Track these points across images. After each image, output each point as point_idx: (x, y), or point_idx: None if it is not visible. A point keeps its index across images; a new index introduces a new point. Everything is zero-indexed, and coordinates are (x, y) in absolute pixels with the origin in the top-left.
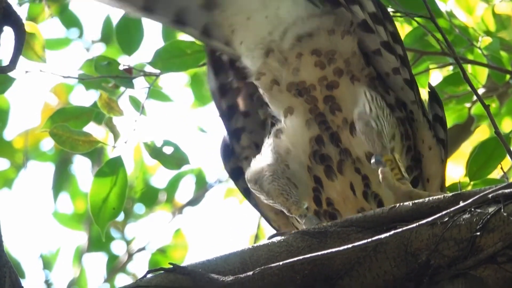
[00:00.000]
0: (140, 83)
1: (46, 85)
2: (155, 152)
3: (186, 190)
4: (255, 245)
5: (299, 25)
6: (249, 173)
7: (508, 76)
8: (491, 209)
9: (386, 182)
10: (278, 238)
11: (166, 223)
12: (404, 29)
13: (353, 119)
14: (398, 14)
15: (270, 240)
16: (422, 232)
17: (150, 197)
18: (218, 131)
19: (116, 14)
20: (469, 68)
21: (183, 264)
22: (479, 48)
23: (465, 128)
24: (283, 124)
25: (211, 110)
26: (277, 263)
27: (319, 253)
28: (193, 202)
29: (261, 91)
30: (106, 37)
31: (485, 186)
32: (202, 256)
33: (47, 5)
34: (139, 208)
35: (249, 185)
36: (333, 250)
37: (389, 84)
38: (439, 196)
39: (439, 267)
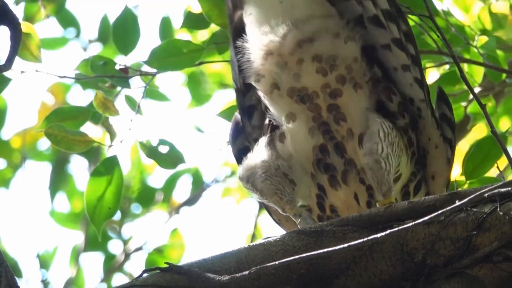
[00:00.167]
0: (136, 82)
1: (43, 85)
2: (150, 151)
3: (183, 189)
4: (251, 244)
5: (301, 27)
6: (241, 170)
7: (504, 75)
8: (487, 208)
9: None
10: (274, 237)
11: (163, 223)
12: None
13: (359, 131)
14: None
15: (266, 240)
16: (418, 231)
17: (147, 196)
18: (215, 131)
19: (113, 13)
20: (465, 67)
21: (179, 264)
22: (476, 47)
23: (461, 127)
24: (285, 129)
25: (208, 110)
26: (273, 263)
27: (315, 252)
28: (190, 201)
29: (261, 94)
30: (103, 37)
31: (481, 185)
32: (199, 256)
33: (42, 6)
34: (136, 207)
35: (241, 183)
36: (329, 249)
37: (395, 80)
38: (435, 195)
39: (435, 266)
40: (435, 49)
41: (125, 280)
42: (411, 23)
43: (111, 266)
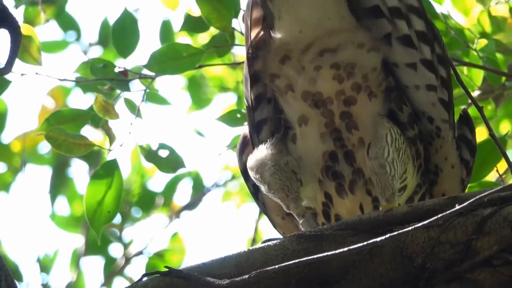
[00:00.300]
0: (136, 86)
1: (43, 88)
2: (150, 155)
3: (183, 194)
4: (251, 248)
5: (327, 39)
6: (251, 160)
7: (503, 78)
8: (487, 212)
9: None
10: (274, 241)
11: (163, 227)
12: None
13: (369, 141)
14: None
15: (266, 244)
16: (418, 235)
17: (147, 201)
18: (215, 135)
19: (114, 16)
20: (465, 70)
21: (179, 268)
22: (475, 50)
23: None
24: (297, 132)
25: (208, 114)
26: (273, 267)
27: (315, 256)
28: (190, 206)
29: (275, 94)
30: (103, 40)
31: (481, 189)
32: (199, 260)
33: (42, 10)
34: (136, 211)
35: (249, 172)
36: (329, 253)
37: (412, 97)
38: (435, 199)
39: (435, 270)
40: None
41: (125, 284)
42: None
43: (112, 270)
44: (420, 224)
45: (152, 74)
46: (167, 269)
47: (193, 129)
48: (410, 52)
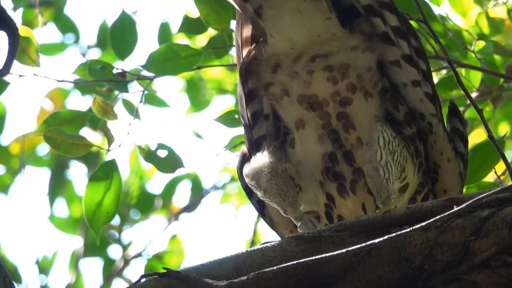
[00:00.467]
0: (135, 87)
1: (42, 91)
2: (149, 155)
3: (182, 195)
4: (249, 249)
5: (319, 46)
6: (247, 168)
7: (502, 80)
8: (485, 214)
9: None
10: (272, 243)
11: (162, 229)
12: None
13: (367, 140)
14: None
15: (264, 245)
16: (416, 236)
17: (146, 202)
18: (214, 137)
19: (112, 18)
20: (463, 72)
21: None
22: (473, 51)
23: None
24: (295, 136)
25: (207, 116)
26: (271, 268)
27: (313, 257)
28: (189, 208)
29: (271, 101)
30: (102, 42)
31: (479, 190)
32: (198, 262)
33: (40, 13)
34: (135, 213)
35: (246, 180)
36: (327, 254)
37: (404, 95)
38: (433, 201)
39: (433, 271)
40: (433, 54)
41: (124, 285)
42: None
43: (111, 271)
44: (418, 226)
45: (151, 75)
46: (165, 271)
47: (191, 131)
48: (391, 49)
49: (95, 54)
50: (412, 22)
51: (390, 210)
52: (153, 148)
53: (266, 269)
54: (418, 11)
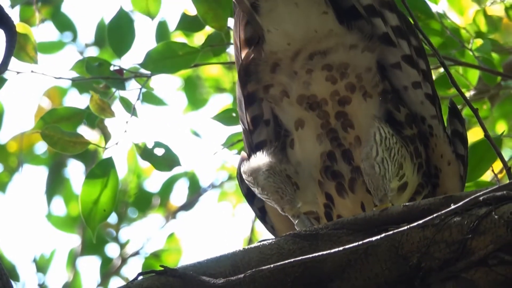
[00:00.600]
0: (132, 85)
1: (39, 89)
2: (146, 153)
3: (179, 194)
4: (246, 247)
5: (316, 43)
6: (246, 166)
7: (499, 78)
8: (482, 212)
9: None
10: (269, 240)
11: (160, 227)
12: None
13: (365, 139)
14: None
15: (262, 243)
16: (413, 234)
17: (143, 201)
18: (211, 135)
19: (109, 15)
20: (460, 69)
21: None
22: (471, 49)
23: None
24: (294, 136)
25: (204, 114)
26: (268, 266)
27: (310, 255)
28: (187, 206)
29: (271, 104)
30: (99, 40)
31: (476, 188)
32: (195, 260)
33: (37, 10)
34: (132, 212)
35: (243, 176)
36: (324, 252)
37: (405, 99)
38: (430, 199)
39: (430, 269)
40: (430, 53)
41: (121, 284)
42: None
43: (108, 270)
44: (415, 224)
45: (148, 73)
46: (162, 268)
47: (189, 129)
48: (392, 51)
49: (93, 52)
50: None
51: (387, 208)
52: (150, 146)
53: (263, 267)
54: (416, 9)
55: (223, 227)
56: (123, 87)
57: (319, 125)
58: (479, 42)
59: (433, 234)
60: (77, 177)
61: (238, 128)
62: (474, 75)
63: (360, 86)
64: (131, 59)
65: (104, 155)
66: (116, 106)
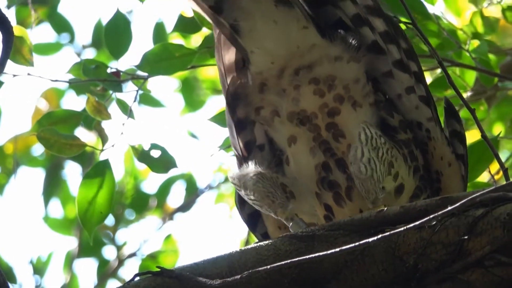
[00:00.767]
0: (130, 87)
1: (36, 90)
2: (142, 155)
3: (176, 195)
4: (243, 248)
5: (300, 57)
6: (234, 173)
7: (496, 79)
8: (479, 213)
9: None
10: (266, 242)
11: (157, 229)
12: None
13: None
14: None
15: (258, 244)
16: (409, 235)
17: (140, 202)
18: (209, 137)
19: (106, 17)
20: (457, 71)
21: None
22: (468, 51)
23: None
24: (288, 153)
25: (202, 116)
26: (265, 267)
27: (307, 256)
28: (184, 207)
29: (263, 126)
30: (97, 42)
31: (473, 189)
32: (191, 261)
33: (33, 9)
34: (129, 213)
35: (232, 183)
36: (321, 253)
37: (400, 107)
38: (427, 200)
39: (427, 271)
40: (427, 53)
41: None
42: (402, 26)
43: (105, 272)
44: (412, 225)
45: (145, 75)
46: (159, 269)
47: (186, 131)
48: (382, 60)
49: (90, 53)
50: (403, 20)
51: (384, 209)
52: (146, 148)
53: (260, 268)
54: (412, 10)
55: (220, 229)
56: (120, 89)
57: (311, 139)
58: (476, 43)
59: (429, 235)
60: (74, 179)
61: None
62: (471, 76)
63: (349, 96)
64: (128, 61)
65: (101, 157)
66: (113, 108)
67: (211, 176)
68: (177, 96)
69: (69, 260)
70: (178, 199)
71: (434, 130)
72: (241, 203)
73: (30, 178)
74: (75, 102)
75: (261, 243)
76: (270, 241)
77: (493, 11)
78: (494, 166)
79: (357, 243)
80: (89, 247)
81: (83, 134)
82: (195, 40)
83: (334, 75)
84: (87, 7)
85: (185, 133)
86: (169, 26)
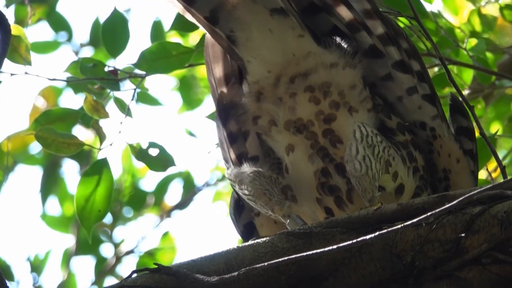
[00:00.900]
0: (127, 86)
1: (34, 89)
2: (140, 153)
3: (174, 193)
4: (240, 245)
5: (296, 65)
6: (232, 171)
7: (493, 78)
8: (476, 211)
9: None
10: (263, 238)
11: (154, 226)
12: None
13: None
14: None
15: (255, 241)
16: (407, 233)
17: (138, 200)
18: (206, 135)
19: (104, 16)
20: (454, 69)
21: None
22: (465, 49)
23: None
24: (286, 161)
25: (199, 114)
26: (262, 264)
27: (304, 253)
28: (181, 205)
29: (262, 135)
30: (94, 41)
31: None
32: (188, 257)
33: (30, 5)
34: (127, 211)
35: (228, 179)
36: (318, 251)
37: (400, 110)
38: (424, 197)
39: (424, 268)
40: (425, 51)
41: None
42: (400, 25)
43: (103, 269)
44: (409, 222)
45: (142, 74)
46: (156, 266)
47: (184, 129)
48: (380, 63)
49: (87, 52)
50: (403, 19)
51: (381, 207)
52: (144, 146)
53: (257, 265)
54: (409, 8)
55: (218, 227)
56: (117, 88)
57: (309, 146)
58: (473, 41)
59: (427, 232)
60: (72, 177)
61: None
62: (468, 75)
63: (344, 102)
64: (126, 59)
65: (99, 155)
66: (111, 107)
67: (209, 174)
68: (175, 94)
69: (67, 258)
70: (175, 196)
71: (440, 128)
72: (236, 214)
73: (28, 176)
74: (73, 100)
75: (258, 240)
76: (267, 238)
77: (491, 10)
78: (492, 164)
79: (354, 241)
80: (87, 244)
81: (81, 132)
82: (193, 39)
83: (330, 81)
84: (85, 6)
85: (183, 131)
86: (166, 25)
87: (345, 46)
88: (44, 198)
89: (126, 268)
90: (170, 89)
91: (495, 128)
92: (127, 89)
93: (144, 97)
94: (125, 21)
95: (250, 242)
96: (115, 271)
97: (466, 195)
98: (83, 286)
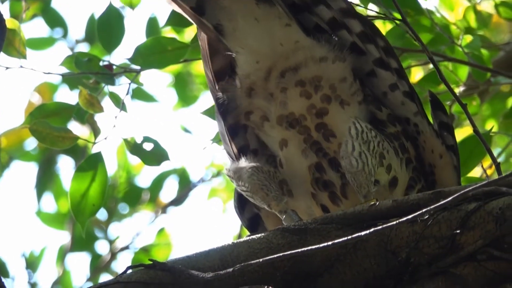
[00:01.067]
0: (123, 81)
1: (29, 84)
2: (135, 148)
3: (169, 189)
4: (235, 241)
5: (286, 59)
6: (230, 165)
7: (489, 74)
8: (471, 207)
9: None
10: (258, 235)
11: (150, 223)
12: (386, 27)
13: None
14: (375, 14)
15: (250, 237)
16: (402, 229)
17: (133, 196)
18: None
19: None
20: (450, 66)
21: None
22: (460, 46)
23: None
24: (280, 157)
25: (195, 111)
26: (257, 260)
27: (299, 250)
28: (177, 201)
29: (254, 130)
30: (90, 36)
31: (465, 184)
32: (183, 254)
33: (24, 0)
34: (122, 207)
35: (227, 175)
36: (313, 247)
37: (387, 104)
38: (419, 194)
39: (419, 264)
40: (420, 48)
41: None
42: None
43: (98, 265)
44: (404, 219)
45: (138, 69)
46: (151, 262)
47: (179, 126)
48: (364, 60)
49: (83, 48)
50: (397, 16)
51: (376, 203)
52: (139, 141)
53: (252, 261)
54: (405, 5)
55: (213, 223)
56: (112, 83)
57: (302, 141)
58: (469, 38)
59: (422, 229)
60: (67, 174)
61: None
62: (463, 71)
63: (335, 95)
64: (121, 54)
65: (93, 150)
66: (106, 102)
67: (204, 170)
68: (170, 91)
69: (62, 254)
70: (171, 193)
71: (422, 124)
72: (240, 207)
73: (23, 172)
74: (68, 96)
75: (253, 236)
76: (262, 234)
77: (486, 7)
78: (487, 161)
79: (349, 237)
80: (82, 241)
81: (75, 127)
82: (188, 34)
83: (320, 75)
84: (80, 2)
85: (178, 127)
86: (162, 20)
87: (334, 39)
88: (39, 195)
89: (121, 264)
90: (166, 85)
91: (490, 125)
92: (122, 84)
93: (140, 94)
94: (120, 17)
95: (245, 238)
96: (110, 267)
97: (462, 192)
98: (78, 283)
